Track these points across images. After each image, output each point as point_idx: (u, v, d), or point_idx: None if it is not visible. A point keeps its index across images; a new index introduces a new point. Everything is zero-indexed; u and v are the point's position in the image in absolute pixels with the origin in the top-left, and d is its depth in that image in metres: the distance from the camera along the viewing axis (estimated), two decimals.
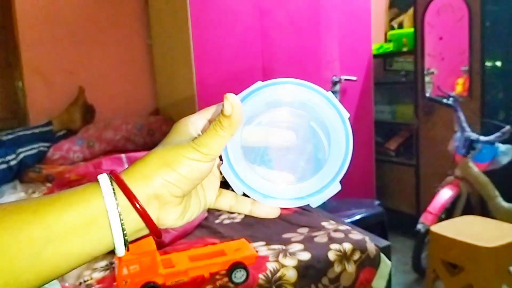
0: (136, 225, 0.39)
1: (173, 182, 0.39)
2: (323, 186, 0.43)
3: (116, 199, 0.38)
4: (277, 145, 0.43)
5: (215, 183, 0.45)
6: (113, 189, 0.38)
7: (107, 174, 0.39)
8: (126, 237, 0.38)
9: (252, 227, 1.44)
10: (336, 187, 0.43)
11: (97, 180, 0.39)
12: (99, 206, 0.37)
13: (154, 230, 0.40)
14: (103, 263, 1.25)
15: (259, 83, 0.43)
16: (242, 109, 0.40)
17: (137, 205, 0.38)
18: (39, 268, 0.36)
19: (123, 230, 0.38)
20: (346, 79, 2.83)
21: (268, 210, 0.44)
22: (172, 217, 0.41)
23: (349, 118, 0.42)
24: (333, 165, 0.43)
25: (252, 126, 0.43)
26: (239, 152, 0.42)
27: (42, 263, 0.36)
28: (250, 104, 0.42)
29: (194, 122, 0.43)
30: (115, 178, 0.39)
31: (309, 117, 0.43)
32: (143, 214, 0.38)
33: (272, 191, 0.42)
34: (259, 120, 0.43)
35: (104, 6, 2.51)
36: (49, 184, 1.89)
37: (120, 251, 0.39)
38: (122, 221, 0.37)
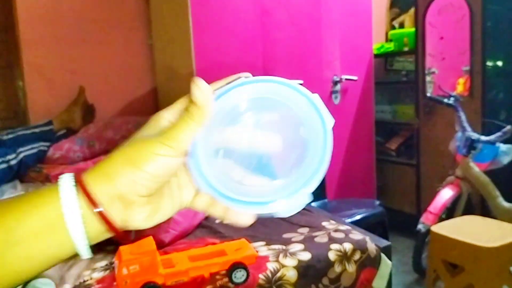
0: (99, 227, 0.37)
1: (138, 180, 0.36)
2: (289, 194, 0.38)
3: (78, 201, 0.36)
4: (262, 151, 0.39)
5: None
6: (76, 190, 0.36)
7: (72, 174, 0.38)
8: (87, 241, 0.36)
9: (253, 227, 1.43)
10: (305, 198, 0.38)
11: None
12: (58, 209, 0.35)
13: (116, 233, 0.38)
14: (103, 263, 1.25)
15: (242, 79, 0.39)
16: (211, 95, 0.37)
17: (97, 208, 0.36)
18: (2, 272, 0.35)
19: (86, 233, 0.36)
20: (347, 79, 2.83)
21: (239, 217, 0.40)
22: (139, 217, 0.38)
23: (333, 127, 0.38)
24: (304, 175, 0.38)
25: (236, 127, 0.39)
26: (212, 150, 0.39)
27: (5, 267, 0.35)
28: (232, 100, 0.39)
29: (166, 117, 0.39)
30: (77, 178, 0.37)
31: (296, 121, 0.39)
32: (103, 217, 0.36)
33: (240, 195, 0.38)
34: (245, 121, 0.39)
35: (104, 6, 2.51)
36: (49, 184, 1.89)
37: (83, 254, 0.37)
38: (83, 224, 0.36)
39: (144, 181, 0.36)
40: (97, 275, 1.18)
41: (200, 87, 0.37)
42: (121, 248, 1.10)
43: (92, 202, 0.36)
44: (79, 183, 0.36)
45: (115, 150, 0.38)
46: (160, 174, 0.37)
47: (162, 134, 0.37)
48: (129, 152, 0.37)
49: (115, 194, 0.36)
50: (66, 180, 0.37)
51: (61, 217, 0.35)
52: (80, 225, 0.35)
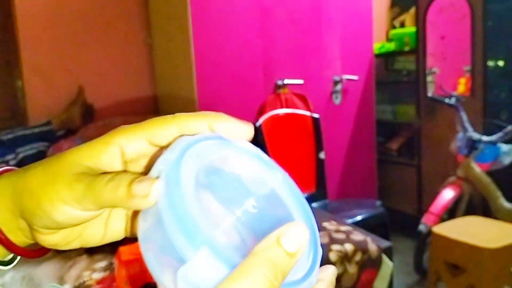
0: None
1: (36, 226, 0.30)
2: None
3: None
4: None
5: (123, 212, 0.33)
6: None
7: None
8: None
9: None
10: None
11: None
12: None
13: (15, 252, 0.32)
14: (103, 263, 1.24)
15: (184, 140, 0.27)
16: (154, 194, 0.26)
17: None
18: None
19: None
20: (347, 79, 2.82)
21: None
22: (51, 240, 0.31)
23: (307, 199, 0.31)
24: None
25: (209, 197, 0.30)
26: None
27: None
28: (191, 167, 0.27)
29: (125, 145, 0.29)
30: None
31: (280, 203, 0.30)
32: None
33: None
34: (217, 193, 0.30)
35: (104, 6, 2.50)
36: None
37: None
38: None
39: (43, 227, 0.30)
40: (97, 275, 1.18)
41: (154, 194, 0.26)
42: (121, 248, 1.09)
43: None
44: None
45: (39, 163, 0.31)
46: (65, 224, 0.29)
47: (92, 181, 0.28)
48: (42, 182, 0.29)
49: (17, 212, 0.30)
50: None
51: None
52: None
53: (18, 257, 0.34)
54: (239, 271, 0.23)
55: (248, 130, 0.30)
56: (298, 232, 0.24)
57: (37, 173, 0.30)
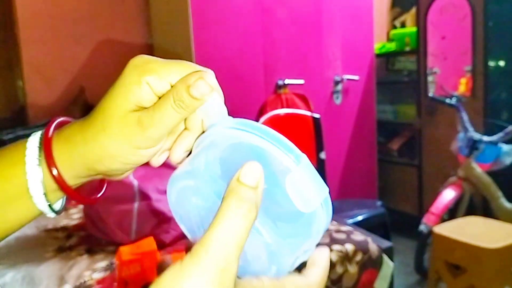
0: (55, 187, 0.35)
1: (101, 171, 0.35)
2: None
3: (40, 160, 0.34)
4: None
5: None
6: (39, 150, 0.35)
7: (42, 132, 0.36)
8: (46, 196, 0.35)
9: None
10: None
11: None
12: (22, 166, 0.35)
13: (70, 195, 0.36)
14: (104, 263, 1.24)
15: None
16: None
17: (51, 167, 0.34)
18: None
19: (47, 192, 0.35)
20: (348, 79, 2.82)
21: None
22: (123, 175, 0.38)
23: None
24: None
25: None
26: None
27: None
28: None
29: (152, 82, 0.33)
30: (45, 137, 0.35)
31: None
32: (55, 177, 0.35)
33: None
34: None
35: (104, 5, 2.50)
36: None
37: (47, 213, 0.36)
38: (43, 184, 0.35)
39: (108, 171, 0.35)
40: (98, 275, 1.18)
41: (209, 87, 0.32)
42: (122, 248, 1.09)
43: (48, 161, 0.34)
44: (46, 141, 0.35)
45: (94, 118, 0.35)
46: (128, 166, 0.35)
47: (142, 121, 0.32)
48: (100, 142, 0.34)
49: (86, 170, 0.35)
50: (33, 139, 0.35)
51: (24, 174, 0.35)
52: (39, 184, 0.35)
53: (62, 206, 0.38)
54: (218, 216, 0.26)
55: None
56: (253, 169, 0.28)
57: (99, 138, 0.33)
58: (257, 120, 2.36)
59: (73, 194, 0.36)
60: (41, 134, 0.35)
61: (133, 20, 2.60)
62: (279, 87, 2.51)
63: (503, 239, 1.81)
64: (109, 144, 0.33)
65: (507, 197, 2.33)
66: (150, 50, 2.64)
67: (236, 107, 2.39)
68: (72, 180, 0.36)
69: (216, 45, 2.29)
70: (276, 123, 2.43)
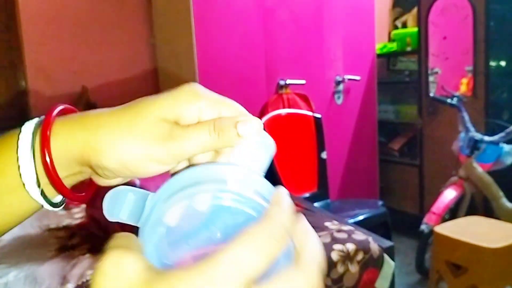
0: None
1: (104, 173, 0.33)
2: None
3: (32, 150, 0.32)
4: None
5: None
6: (32, 140, 0.33)
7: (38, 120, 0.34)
8: (40, 187, 0.33)
9: None
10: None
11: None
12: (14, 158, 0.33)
13: (61, 191, 0.34)
14: None
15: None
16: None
17: (45, 157, 0.32)
18: None
19: (41, 185, 0.33)
20: (349, 79, 2.82)
21: None
22: (113, 182, 0.34)
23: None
24: None
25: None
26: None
27: None
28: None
29: (204, 107, 0.32)
30: (45, 120, 0.33)
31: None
32: (48, 170, 0.32)
33: None
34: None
35: (107, 6, 2.51)
36: None
37: (46, 206, 0.35)
38: (37, 176, 0.33)
39: (111, 173, 0.33)
40: None
41: (251, 130, 0.31)
42: None
43: (43, 151, 0.32)
44: (43, 132, 0.32)
45: (115, 110, 0.33)
46: (143, 174, 0.33)
47: (171, 130, 0.31)
48: (121, 126, 0.31)
49: (83, 163, 0.33)
50: (28, 125, 0.33)
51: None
52: (32, 176, 0.33)
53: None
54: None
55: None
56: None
57: (112, 130, 0.31)
58: None
59: (61, 186, 0.33)
60: (38, 121, 0.34)
61: (135, 21, 2.61)
62: (280, 87, 2.52)
63: (504, 239, 1.81)
64: (121, 138, 0.31)
65: (508, 197, 2.33)
66: (152, 50, 2.64)
67: None
68: (63, 172, 0.33)
69: (218, 46, 2.30)
70: (278, 123, 2.44)
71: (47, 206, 0.35)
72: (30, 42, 2.31)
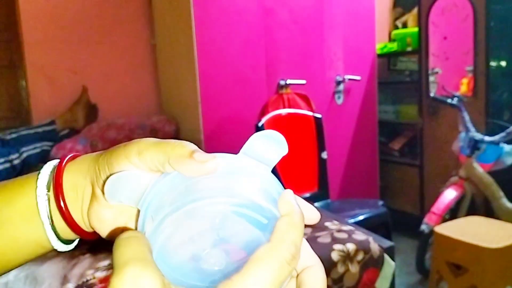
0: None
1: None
2: None
3: (48, 190, 0.35)
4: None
5: None
6: (49, 180, 0.35)
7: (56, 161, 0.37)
8: (55, 230, 0.35)
9: None
10: None
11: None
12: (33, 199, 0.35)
13: (73, 228, 0.35)
14: (106, 262, 1.25)
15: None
16: None
17: (59, 200, 0.34)
18: None
19: (55, 224, 0.35)
20: (350, 79, 2.82)
21: None
22: (106, 215, 0.34)
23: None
24: None
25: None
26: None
27: None
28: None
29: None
30: (58, 169, 0.35)
31: None
32: (60, 208, 0.34)
33: None
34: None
35: (107, 6, 2.51)
36: None
37: (57, 246, 0.36)
38: (51, 215, 0.35)
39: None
40: (100, 274, 1.18)
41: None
42: None
43: (55, 192, 0.34)
44: (58, 171, 0.35)
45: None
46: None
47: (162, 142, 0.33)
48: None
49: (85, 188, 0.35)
50: (46, 167, 0.36)
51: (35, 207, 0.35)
52: (45, 214, 0.34)
53: (77, 240, 0.38)
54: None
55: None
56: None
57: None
58: (259, 120, 2.36)
59: (73, 224, 0.35)
60: (56, 163, 0.36)
61: (136, 21, 2.61)
62: (281, 87, 2.52)
63: (505, 239, 1.81)
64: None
65: (508, 197, 2.33)
66: (152, 50, 2.64)
67: (238, 107, 2.40)
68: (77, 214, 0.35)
69: (218, 46, 2.30)
70: (278, 123, 2.44)
71: (60, 249, 0.36)
72: (31, 42, 2.31)
